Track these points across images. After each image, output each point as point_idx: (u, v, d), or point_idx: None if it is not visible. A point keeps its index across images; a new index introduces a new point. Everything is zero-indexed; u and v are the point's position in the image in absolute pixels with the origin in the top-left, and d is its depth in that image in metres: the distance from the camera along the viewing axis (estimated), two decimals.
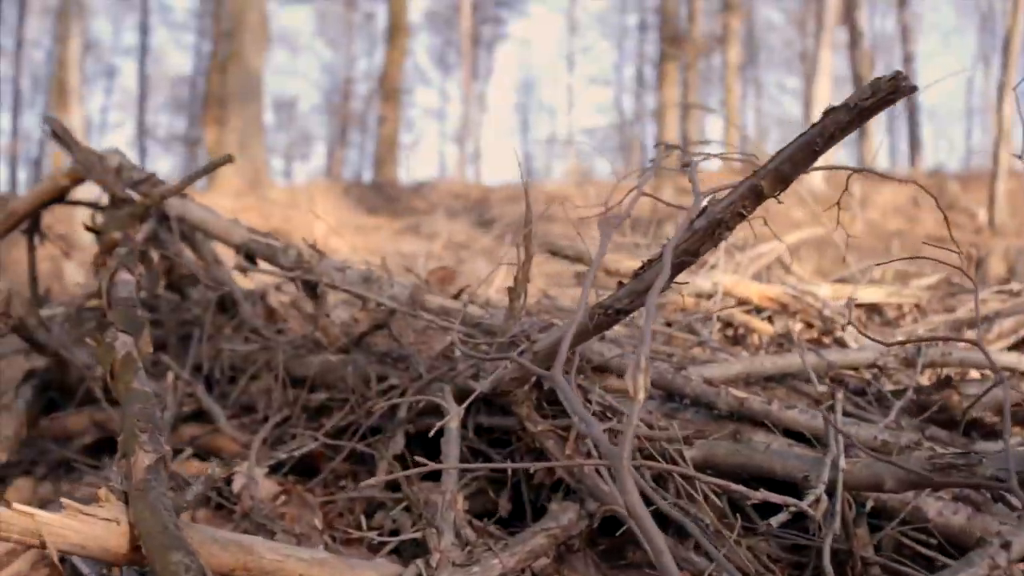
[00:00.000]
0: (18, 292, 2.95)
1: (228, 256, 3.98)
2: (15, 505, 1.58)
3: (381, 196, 17.27)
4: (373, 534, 2.38)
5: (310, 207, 15.40)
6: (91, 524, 1.65)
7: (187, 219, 3.35)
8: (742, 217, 2.03)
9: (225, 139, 18.93)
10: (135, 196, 3.41)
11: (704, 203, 2.07)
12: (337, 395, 3.00)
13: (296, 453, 2.79)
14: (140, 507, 1.66)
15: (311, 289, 3.12)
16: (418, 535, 2.20)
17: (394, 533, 2.47)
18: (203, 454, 3.14)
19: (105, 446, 3.51)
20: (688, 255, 2.07)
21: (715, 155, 2.62)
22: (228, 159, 2.84)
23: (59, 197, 3.79)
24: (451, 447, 2.33)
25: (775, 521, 2.06)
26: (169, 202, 3.33)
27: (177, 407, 3.24)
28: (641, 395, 1.51)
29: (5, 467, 3.23)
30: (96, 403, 3.46)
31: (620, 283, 2.23)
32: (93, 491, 3.09)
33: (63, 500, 1.63)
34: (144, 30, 34.92)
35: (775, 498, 2.00)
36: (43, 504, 2.85)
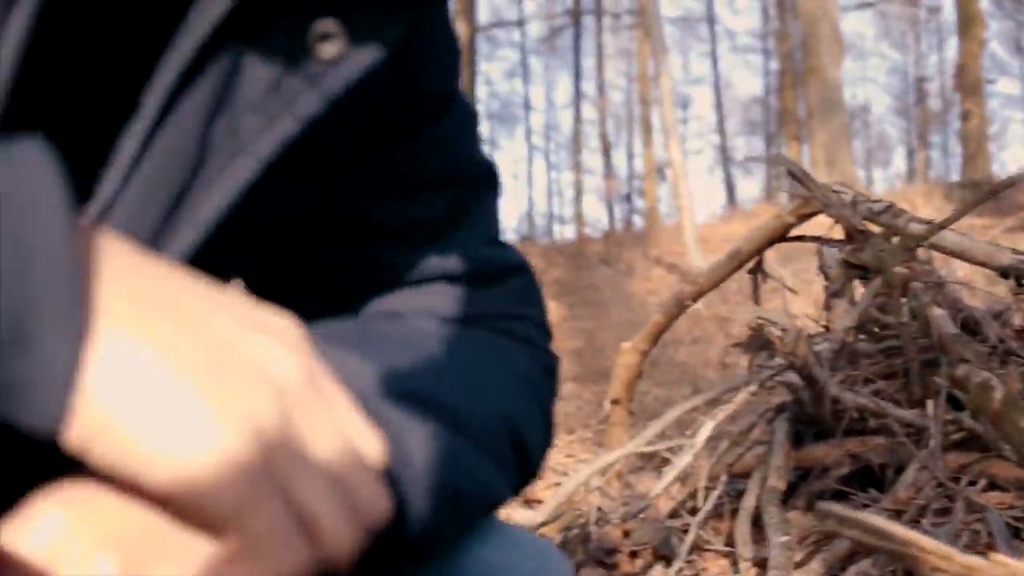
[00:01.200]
0: (801, 332, 3.08)
1: None
2: (992, 556, 1.61)
3: (981, 194, 16.23)
4: None
5: (914, 213, 14.86)
6: None
7: (940, 247, 3.32)
8: None
9: (811, 154, 18.94)
10: (872, 228, 3.46)
11: None
12: None
13: None
14: None
15: None
16: None
17: None
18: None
19: (854, 476, 3.58)
20: None
21: None
22: (1010, 182, 2.77)
23: (782, 235, 3.95)
24: None
25: None
26: (917, 230, 3.33)
27: (941, 435, 3.21)
28: None
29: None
30: (850, 434, 3.54)
31: None
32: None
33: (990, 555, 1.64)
34: (714, 58, 36.06)
35: None
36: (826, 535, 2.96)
